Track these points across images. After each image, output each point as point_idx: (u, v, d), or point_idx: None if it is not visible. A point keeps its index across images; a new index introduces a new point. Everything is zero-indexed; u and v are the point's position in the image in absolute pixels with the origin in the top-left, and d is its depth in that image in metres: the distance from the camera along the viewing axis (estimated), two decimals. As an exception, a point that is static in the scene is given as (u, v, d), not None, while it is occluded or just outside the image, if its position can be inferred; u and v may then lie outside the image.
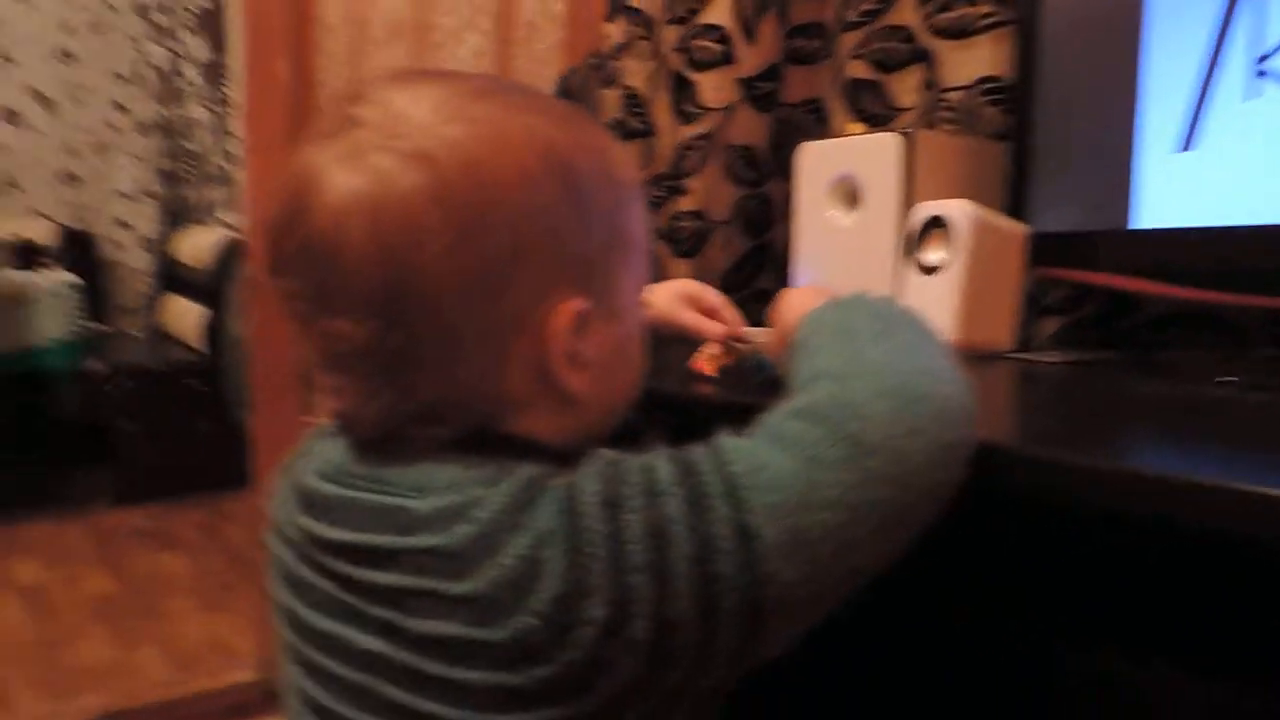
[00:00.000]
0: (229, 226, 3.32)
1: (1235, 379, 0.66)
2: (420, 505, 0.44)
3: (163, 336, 3.55)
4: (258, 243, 1.73)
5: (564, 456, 0.46)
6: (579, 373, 0.49)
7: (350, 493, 0.48)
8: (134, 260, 3.95)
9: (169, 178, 3.79)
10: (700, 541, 0.41)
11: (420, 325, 0.45)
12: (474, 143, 0.45)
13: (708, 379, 0.71)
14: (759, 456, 0.43)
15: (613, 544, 0.41)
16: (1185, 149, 0.74)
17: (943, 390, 0.46)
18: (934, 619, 0.60)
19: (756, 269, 1.24)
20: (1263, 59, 0.68)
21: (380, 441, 0.48)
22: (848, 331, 0.51)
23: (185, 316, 3.31)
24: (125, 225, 3.93)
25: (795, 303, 0.60)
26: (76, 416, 2.98)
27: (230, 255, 3.07)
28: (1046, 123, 0.86)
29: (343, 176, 0.45)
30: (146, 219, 3.94)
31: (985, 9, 0.95)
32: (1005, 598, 0.58)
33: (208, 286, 3.16)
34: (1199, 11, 0.72)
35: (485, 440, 0.48)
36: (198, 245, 3.34)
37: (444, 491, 0.44)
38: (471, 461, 0.46)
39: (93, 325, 3.25)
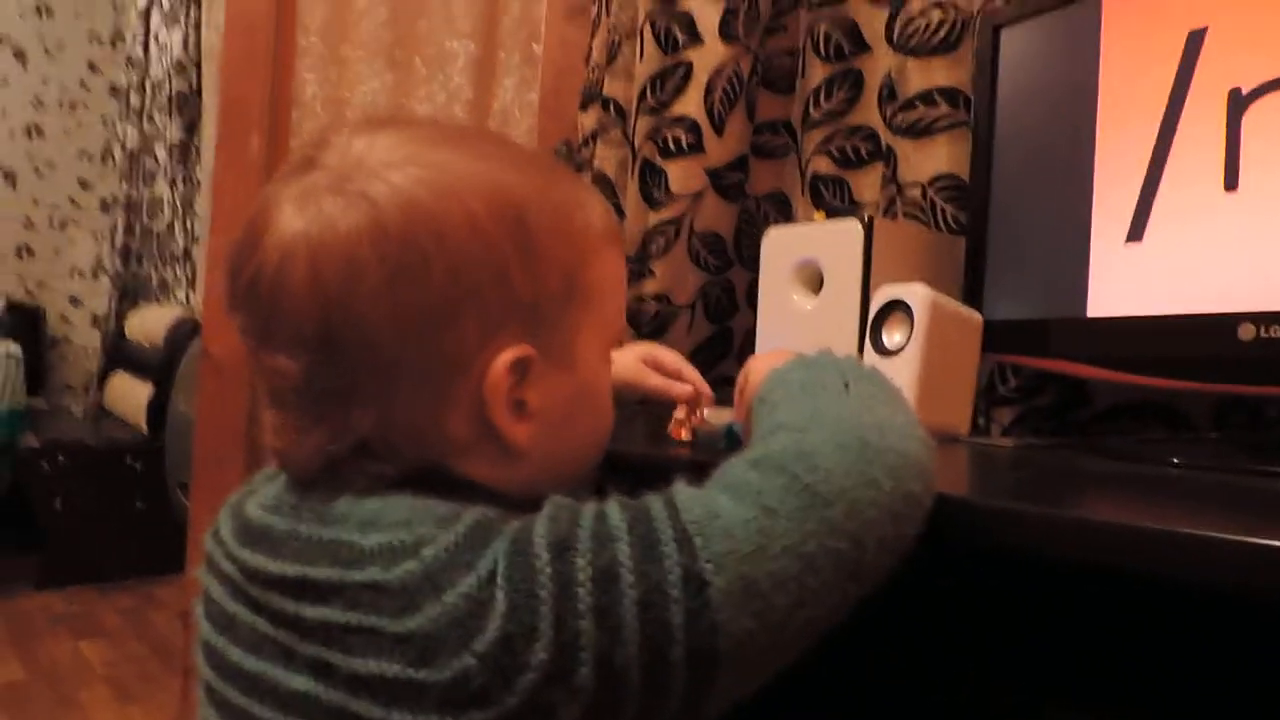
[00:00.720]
0: (185, 305, 3.28)
1: (1181, 460, 0.68)
2: (366, 541, 0.43)
3: (106, 415, 3.46)
4: (213, 316, 1.71)
5: (521, 506, 0.45)
6: (523, 423, 0.49)
7: (294, 525, 0.46)
8: (82, 338, 3.89)
9: (128, 256, 3.76)
10: (649, 587, 0.40)
11: (355, 363, 0.45)
12: (419, 186, 0.46)
13: (682, 444, 0.71)
14: (713, 505, 0.43)
15: (560, 586, 0.40)
16: (1134, 240, 0.77)
17: (902, 445, 0.46)
18: (889, 672, 0.59)
19: (719, 354, 1.25)
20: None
21: (325, 477, 0.47)
22: (811, 387, 0.51)
23: (130, 395, 3.23)
24: (77, 302, 3.88)
25: (762, 365, 0.60)
26: (7, 493, 2.86)
27: (182, 334, 3.02)
28: (1001, 215, 0.89)
29: (290, 215, 0.46)
30: (99, 296, 3.90)
31: (944, 110, 1.00)
32: (959, 651, 0.57)
33: (156, 365, 3.09)
34: (1147, 113, 0.76)
35: (439, 481, 0.47)
36: (150, 323, 3.29)
37: (393, 528, 0.43)
38: (425, 501, 0.45)
39: (33, 400, 3.15)
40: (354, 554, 0.43)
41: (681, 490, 0.44)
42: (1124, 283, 0.78)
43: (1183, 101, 0.74)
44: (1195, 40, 0.73)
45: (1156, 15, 0.76)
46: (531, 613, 0.39)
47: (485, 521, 0.43)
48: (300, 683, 0.43)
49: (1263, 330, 0.67)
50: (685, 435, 0.73)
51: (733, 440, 0.69)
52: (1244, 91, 0.70)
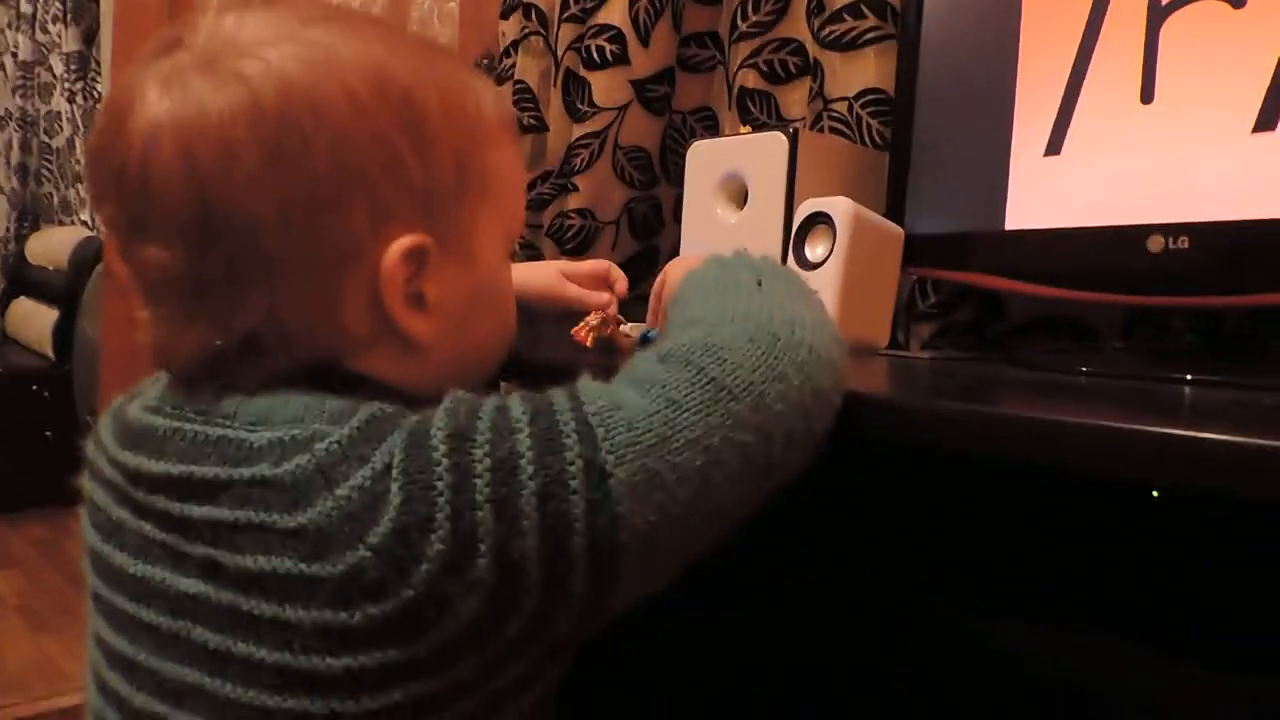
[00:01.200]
0: (90, 226, 3.12)
1: (1089, 369, 0.69)
2: (255, 437, 0.42)
3: (8, 342, 3.30)
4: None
5: (421, 403, 0.44)
6: (423, 316, 0.48)
7: (178, 424, 0.45)
8: (-20, 261, 3.68)
9: (25, 174, 3.55)
10: (548, 478, 0.39)
11: (235, 252, 0.43)
12: (296, 64, 0.44)
13: (584, 349, 0.70)
14: (618, 397, 0.42)
15: (457, 477, 0.39)
16: (1053, 154, 0.77)
17: (813, 340, 0.46)
18: (800, 572, 0.60)
19: (644, 271, 1.24)
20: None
21: (210, 375, 0.46)
22: (724, 284, 0.50)
23: (35, 321, 3.09)
24: (-28, 223, 3.66)
25: (678, 268, 0.59)
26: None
27: (88, 255, 2.88)
28: (925, 130, 0.89)
29: (155, 97, 0.43)
30: (-3, 217, 3.68)
31: (872, 21, 0.98)
32: (871, 550, 0.58)
33: (61, 289, 2.95)
34: (1069, 27, 0.76)
35: (333, 378, 0.46)
36: (53, 246, 3.13)
37: (285, 425, 0.42)
38: (318, 398, 0.44)
39: (-73, 326, 2.99)
40: (242, 451, 0.42)
41: (586, 383, 0.44)
42: (1042, 196, 0.78)
43: (1103, 14, 0.74)
44: (1119, -52, 0.73)
45: (1082, -78, 0.75)
46: (428, 504, 0.38)
47: (382, 415, 0.42)
48: (188, 584, 0.42)
49: (1171, 241, 0.68)
50: (588, 342, 0.71)
51: (648, 341, 0.68)
52: (1163, 3, 0.70)
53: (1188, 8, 0.69)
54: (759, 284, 0.49)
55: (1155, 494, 0.57)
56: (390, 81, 0.46)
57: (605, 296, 0.73)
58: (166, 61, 0.44)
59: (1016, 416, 0.42)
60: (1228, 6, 0.67)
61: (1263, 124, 0.65)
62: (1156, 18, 0.70)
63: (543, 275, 0.73)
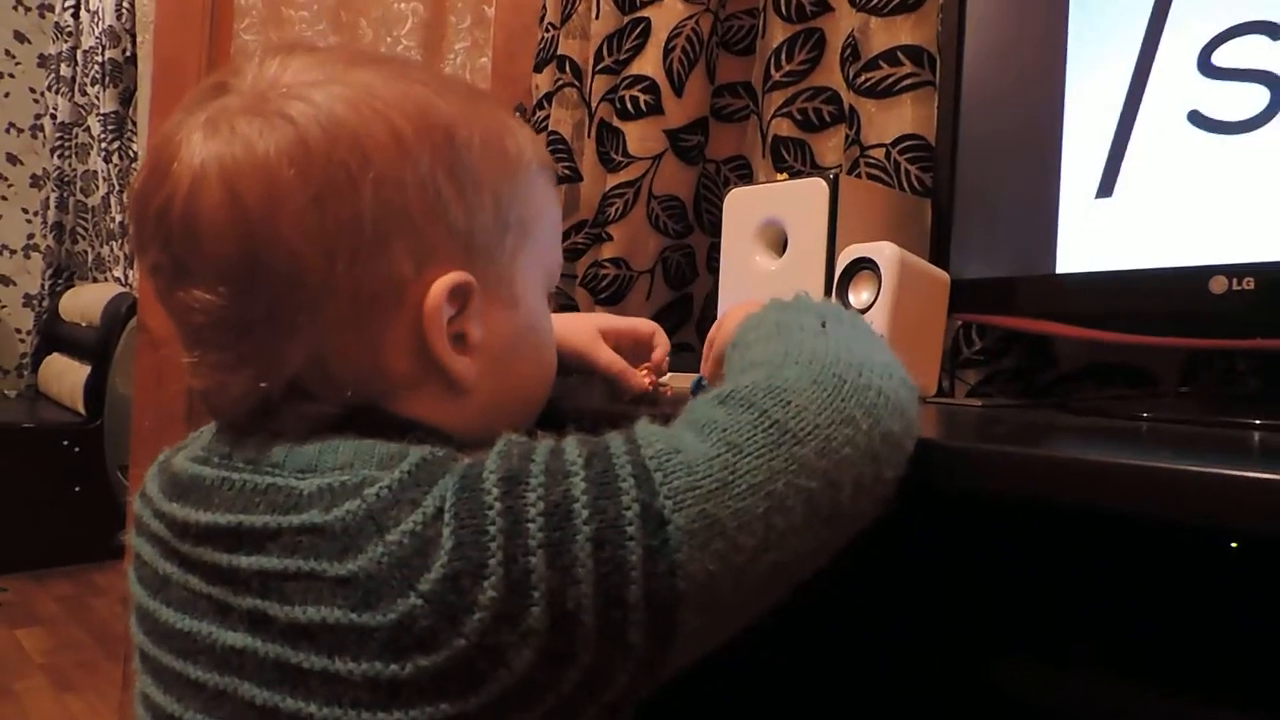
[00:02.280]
0: (123, 283, 3.16)
1: (1150, 414, 0.67)
2: (305, 485, 0.41)
3: (40, 398, 3.33)
4: (149, 289, 1.64)
5: (468, 446, 0.43)
6: (466, 356, 0.47)
7: (226, 474, 0.44)
8: (15, 318, 3.74)
9: (61, 232, 3.62)
10: (604, 523, 0.37)
11: (281, 292, 0.43)
12: (340, 104, 0.44)
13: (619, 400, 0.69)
14: (675, 441, 0.41)
15: (509, 522, 0.37)
16: (1104, 196, 0.76)
17: (881, 383, 0.44)
18: (872, 619, 0.57)
19: (679, 321, 1.22)
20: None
21: (257, 423, 0.45)
22: (787, 327, 0.49)
23: (66, 377, 3.12)
24: (9, 281, 3.73)
25: (738, 312, 0.58)
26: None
27: (120, 312, 2.92)
28: (968, 174, 0.87)
29: (200, 140, 0.43)
30: (32, 275, 3.75)
31: (908, 69, 0.98)
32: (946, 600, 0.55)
33: (94, 345, 2.99)
34: (1118, 65, 0.75)
35: (381, 422, 0.45)
36: (87, 303, 3.17)
37: (334, 471, 0.41)
38: (367, 443, 0.43)
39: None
40: (292, 499, 0.41)
41: (644, 427, 0.42)
42: (1094, 238, 0.76)
43: (1154, 51, 0.73)
44: (1167, -12, 0.72)
45: (1127, -37, 0.75)
46: (480, 549, 0.37)
47: (433, 459, 0.41)
48: (236, 638, 0.41)
49: (1234, 283, 0.66)
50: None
51: (700, 391, 0.66)
52: (1216, 35, 0.69)
53: (1232, 41, 0.68)
54: (823, 326, 0.47)
55: (1234, 545, 0.54)
56: (434, 123, 0.46)
57: (642, 380, 0.69)
58: (212, 105, 0.44)
59: (1080, 460, 0.40)
60: (1266, 39, 0.66)
61: (1327, 161, 0.63)
62: (1206, 51, 0.69)
63: (579, 332, 0.70)
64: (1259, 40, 0.67)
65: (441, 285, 0.45)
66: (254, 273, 0.42)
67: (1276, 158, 0.65)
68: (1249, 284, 0.65)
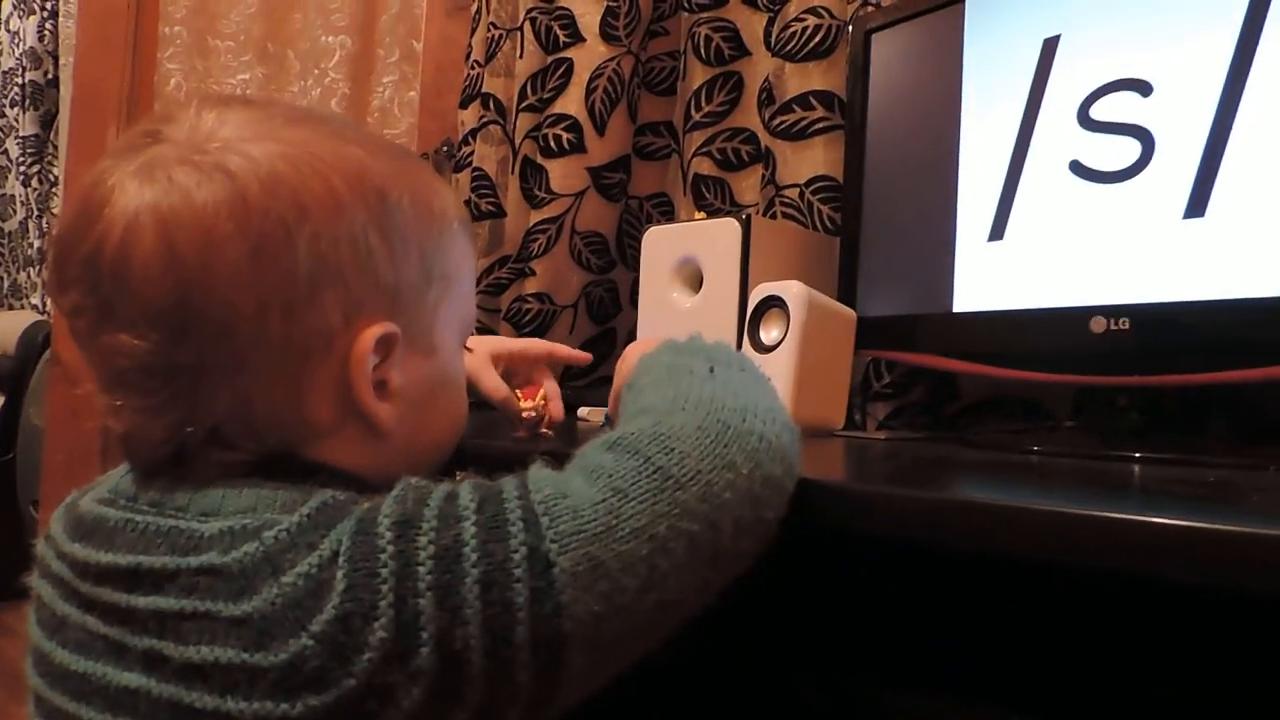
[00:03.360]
0: (40, 311, 3.07)
1: (1040, 449, 0.70)
2: (206, 528, 0.42)
3: (-52, 429, 3.19)
4: (64, 324, 1.60)
5: (378, 489, 0.44)
6: (386, 402, 0.48)
7: (130, 515, 0.44)
8: (-77, 346, 3.58)
9: (-25, 258, 3.49)
10: (492, 566, 0.39)
11: (211, 342, 0.43)
12: (280, 161, 0.45)
13: (517, 437, 0.70)
14: (564, 486, 0.42)
15: (400, 564, 0.38)
16: (996, 239, 0.80)
17: (763, 429, 0.45)
18: (749, 660, 0.59)
19: (602, 354, 1.24)
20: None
21: (168, 467, 0.45)
22: (677, 370, 0.51)
23: (-23, 407, 2.99)
24: (-83, 308, 3.58)
25: (636, 351, 0.60)
26: None
27: (36, 342, 2.82)
28: (873, 215, 0.91)
29: (135, 187, 0.43)
30: (-57, 302, 3.60)
31: (819, 113, 1.01)
32: (823, 637, 0.57)
33: (7, 375, 2.88)
34: (1007, 117, 0.79)
35: (289, 467, 0.45)
36: (1, 330, 3.06)
37: (236, 515, 0.42)
38: (272, 487, 0.43)
39: None
40: (192, 541, 0.41)
41: (536, 472, 0.44)
42: (987, 280, 0.80)
43: (1039, 104, 0.77)
44: (1050, 45, 0.77)
45: (1014, 21, 0.80)
46: (371, 591, 0.38)
47: (333, 503, 0.42)
48: (130, 679, 0.41)
49: (1112, 323, 0.70)
50: (521, 433, 0.72)
51: (607, 427, 0.68)
52: (1093, 90, 0.74)
53: (1108, 97, 0.73)
54: (711, 370, 0.49)
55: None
56: (368, 183, 0.47)
57: (518, 410, 0.73)
58: (147, 153, 0.44)
59: (965, 502, 0.42)
60: (1138, 95, 0.71)
61: (1192, 210, 0.68)
62: (1085, 105, 0.74)
63: (470, 358, 0.73)
64: (1131, 96, 0.72)
65: (369, 336, 0.46)
66: (186, 321, 0.43)
67: (1146, 206, 0.70)
68: (1124, 324, 0.70)
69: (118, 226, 0.43)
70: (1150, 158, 0.70)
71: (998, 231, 0.79)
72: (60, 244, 0.45)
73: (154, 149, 0.44)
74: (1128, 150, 0.71)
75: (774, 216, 1.06)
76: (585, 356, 0.82)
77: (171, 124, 0.46)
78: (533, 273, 1.20)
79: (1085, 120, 0.74)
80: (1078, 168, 0.74)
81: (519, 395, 0.74)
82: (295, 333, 0.44)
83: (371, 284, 0.47)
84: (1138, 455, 0.65)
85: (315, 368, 0.46)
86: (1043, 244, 0.76)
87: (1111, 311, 0.70)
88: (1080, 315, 0.72)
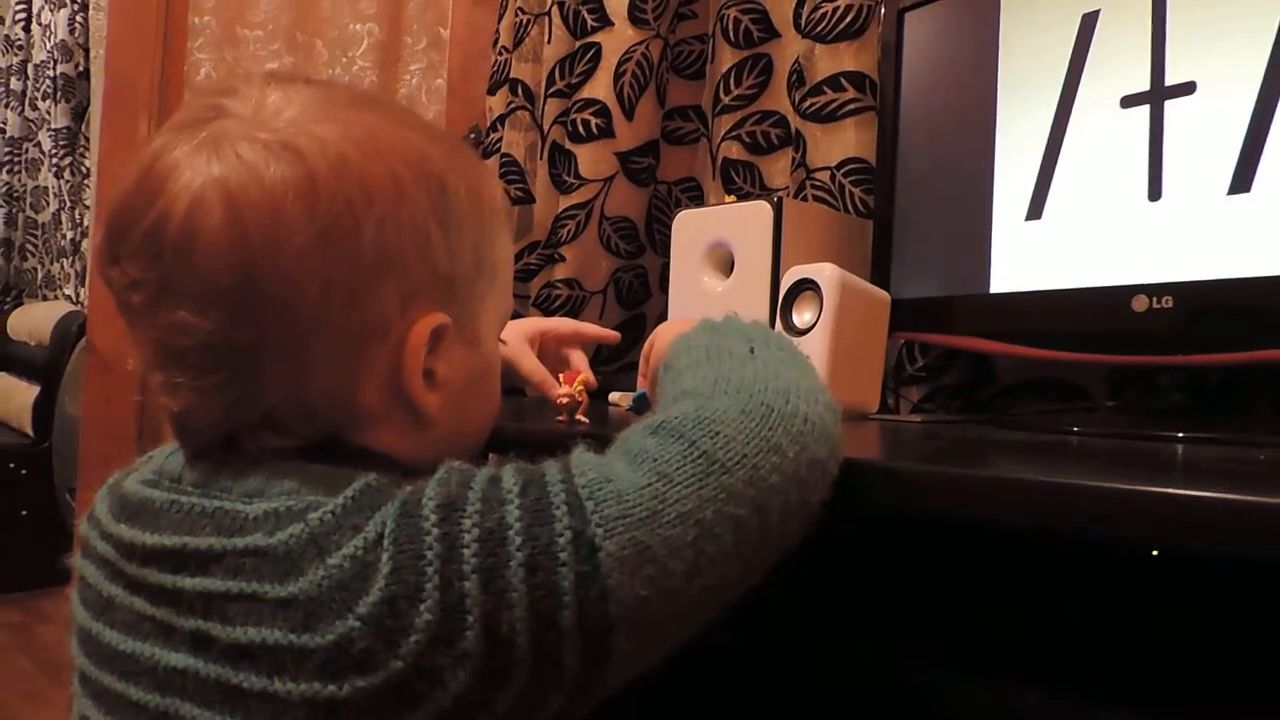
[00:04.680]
0: (73, 302, 3.11)
1: (1080, 429, 0.69)
2: (250, 509, 0.42)
3: (-15, 418, 3.25)
4: (99, 310, 1.62)
5: (419, 474, 0.43)
6: (433, 392, 0.48)
7: (175, 497, 0.45)
8: (-40, 338, 3.64)
9: (9, 249, 3.54)
10: (537, 550, 0.39)
11: (272, 323, 0.43)
12: (346, 144, 0.44)
13: (560, 421, 0.70)
14: (608, 470, 0.42)
15: (445, 547, 0.38)
16: (1034, 218, 0.78)
17: (806, 410, 0.45)
18: (795, 636, 0.59)
19: (632, 340, 1.24)
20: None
21: (218, 449, 0.45)
22: (716, 352, 0.50)
23: (14, 397, 3.05)
24: (-47, 300, 3.64)
25: (668, 332, 0.60)
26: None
27: (70, 331, 2.86)
28: (907, 197, 0.90)
29: (202, 162, 0.43)
30: (-22, 293, 3.66)
31: (850, 94, 1.00)
32: (866, 615, 0.57)
33: (43, 365, 2.93)
34: (1045, 94, 0.78)
35: (334, 451, 0.46)
36: (36, 321, 3.11)
37: (280, 497, 0.42)
38: (316, 471, 0.43)
39: (-97, 403, 2.95)
40: (237, 522, 0.41)
41: (580, 455, 0.43)
42: (1025, 259, 0.79)
43: (1078, 81, 0.76)
44: (1089, 21, 0.75)
45: (1053, -3, 0.78)
46: (417, 574, 0.38)
47: (376, 485, 0.42)
48: (178, 659, 0.41)
49: (1155, 301, 0.69)
50: (561, 417, 0.73)
51: (642, 406, 0.68)
52: (1133, 65, 0.72)
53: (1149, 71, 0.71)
54: (751, 351, 0.49)
55: (1155, 553, 0.56)
56: (429, 170, 0.47)
57: (556, 391, 0.73)
58: (212, 127, 0.44)
59: (1008, 479, 0.42)
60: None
61: (1237, 186, 0.66)
62: (1125, 80, 0.73)
63: (510, 341, 0.73)
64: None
65: (425, 326, 0.46)
66: (249, 300, 0.42)
67: (1189, 183, 0.69)
68: (1167, 302, 0.68)
69: (182, 201, 0.42)
70: (1194, 133, 0.69)
71: (1035, 210, 0.78)
72: (117, 217, 0.45)
73: (218, 123, 0.44)
74: (1170, 125, 0.70)
75: (805, 199, 1.05)
76: (614, 335, 0.82)
77: (235, 98, 0.45)
78: (562, 258, 1.20)
79: (1125, 96, 0.73)
80: (1117, 144, 0.73)
81: (560, 380, 0.74)
82: (355, 318, 0.44)
83: (429, 272, 0.47)
84: (1181, 435, 0.64)
85: (371, 354, 0.46)
86: (1082, 222, 0.75)
87: (1154, 290, 0.69)
88: (1122, 294, 0.71)
